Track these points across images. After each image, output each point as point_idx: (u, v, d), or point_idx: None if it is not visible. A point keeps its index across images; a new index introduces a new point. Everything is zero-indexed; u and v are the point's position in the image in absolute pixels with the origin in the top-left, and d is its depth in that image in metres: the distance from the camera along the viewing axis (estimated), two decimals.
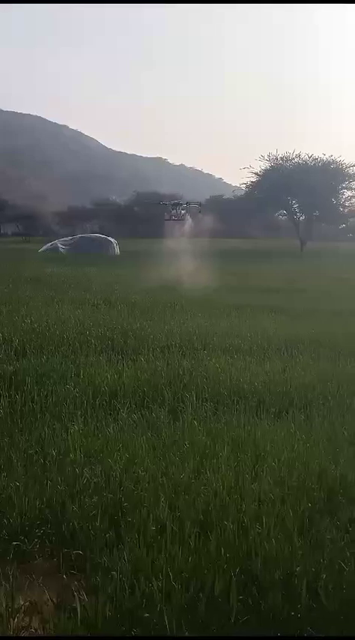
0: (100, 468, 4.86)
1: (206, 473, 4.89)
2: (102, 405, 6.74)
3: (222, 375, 8.49)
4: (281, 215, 68.34)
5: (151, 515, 4.01)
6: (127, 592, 3.20)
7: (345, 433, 6.37)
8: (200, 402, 7.16)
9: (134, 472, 4.81)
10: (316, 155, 61.16)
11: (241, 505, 4.34)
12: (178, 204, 41.79)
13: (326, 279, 28.02)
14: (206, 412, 6.82)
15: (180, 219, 42.14)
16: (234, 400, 7.41)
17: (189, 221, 41.97)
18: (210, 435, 5.94)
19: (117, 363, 8.78)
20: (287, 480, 4.91)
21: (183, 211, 42.31)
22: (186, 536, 3.76)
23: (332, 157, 60.65)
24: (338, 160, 60.52)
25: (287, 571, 3.46)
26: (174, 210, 42.66)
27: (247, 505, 4.33)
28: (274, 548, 3.65)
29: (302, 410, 7.32)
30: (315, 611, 3.15)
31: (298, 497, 4.57)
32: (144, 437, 5.65)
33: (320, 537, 3.94)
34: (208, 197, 72.83)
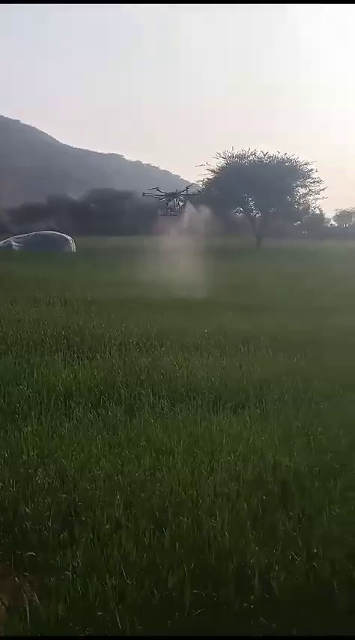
0: (54, 469, 4.80)
1: (162, 469, 4.90)
2: (57, 404, 6.66)
3: (179, 372, 8.53)
4: (238, 212, 68.98)
5: (105, 513, 3.99)
6: (81, 591, 3.18)
7: (299, 425, 6.49)
8: (157, 399, 7.16)
9: (89, 472, 4.77)
10: (271, 153, 62.02)
11: (197, 500, 4.37)
12: (174, 194, 37.07)
13: (283, 276, 28.46)
14: (163, 409, 6.83)
15: (177, 213, 37.77)
16: (190, 396, 7.45)
17: (188, 213, 37.48)
18: (167, 431, 5.95)
19: (73, 362, 8.69)
20: (243, 474, 4.98)
21: (181, 203, 37.85)
22: (141, 533, 3.76)
23: (287, 155, 61.68)
24: (292, 157, 61.60)
25: (240, 563, 3.50)
26: (171, 202, 37.90)
27: (202, 500, 4.37)
28: (228, 541, 3.69)
29: (258, 404, 7.42)
30: (268, 602, 3.21)
31: (253, 490, 4.64)
32: (99, 436, 5.61)
33: (273, 529, 4.00)
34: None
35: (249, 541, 3.76)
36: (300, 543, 3.82)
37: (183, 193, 36.19)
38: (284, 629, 3.01)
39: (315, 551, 3.73)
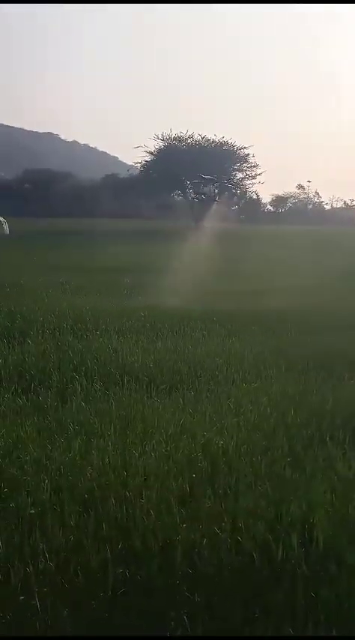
0: None
1: (92, 453, 4.90)
2: None
3: (114, 355, 8.50)
4: (177, 195, 68.88)
5: (31, 498, 3.95)
6: (2, 578, 3.15)
7: (231, 405, 6.63)
8: (90, 383, 7.12)
9: (18, 457, 4.70)
10: (209, 136, 62.08)
11: (126, 481, 4.40)
12: (210, 179, 34.72)
13: (220, 259, 28.75)
14: (96, 393, 6.80)
15: (213, 199, 36.29)
16: (125, 380, 7.45)
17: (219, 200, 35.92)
18: (99, 415, 5.94)
19: (2, 347, 8.47)
20: (173, 454, 5.05)
21: (216, 190, 36.04)
22: (67, 515, 3.76)
23: (224, 139, 61.92)
24: (229, 141, 61.91)
25: (166, 541, 3.57)
26: (207, 187, 36.06)
27: (132, 481, 4.41)
28: (153, 520, 3.75)
29: (192, 386, 7.52)
30: (192, 577, 3.29)
31: (182, 469, 4.72)
32: (29, 421, 5.52)
33: (200, 506, 4.10)
34: (103, 176, 71.47)
35: (175, 519, 3.83)
36: (226, 518, 3.94)
37: (226, 182, 34.45)
38: (205, 601, 3.10)
39: (240, 525, 3.85)
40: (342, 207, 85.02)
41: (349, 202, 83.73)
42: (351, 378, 8.13)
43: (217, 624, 2.96)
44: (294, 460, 5.10)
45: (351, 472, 4.83)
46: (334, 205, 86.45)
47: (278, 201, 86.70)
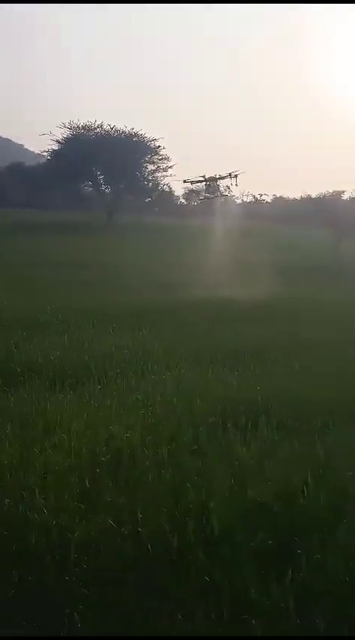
0: None
1: None
2: None
3: (15, 350, 8.22)
4: (87, 186, 67.48)
5: None
6: None
7: (138, 397, 6.60)
8: None
9: None
10: (118, 127, 61.26)
11: (24, 480, 4.26)
12: (214, 179, 35.13)
13: (133, 253, 28.67)
14: None
15: (217, 195, 36.89)
16: (26, 375, 7.22)
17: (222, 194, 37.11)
18: None
19: None
20: (76, 449, 4.95)
21: (220, 186, 36.45)
22: None
23: (134, 130, 61.35)
24: (140, 133, 61.44)
25: (63, 538, 3.49)
26: (211, 186, 36.24)
27: (30, 479, 4.27)
28: (47, 517, 3.65)
29: (99, 379, 7.41)
30: (87, 573, 3.24)
31: (85, 465, 4.64)
32: None
33: (100, 500, 4.04)
34: (8, 164, 68.29)
35: (73, 515, 3.75)
36: (126, 511, 3.91)
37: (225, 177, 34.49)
38: (99, 595, 3.06)
39: (140, 516, 3.83)
40: (252, 201, 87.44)
41: (258, 197, 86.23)
42: (256, 366, 8.40)
43: (111, 617, 2.93)
44: (198, 448, 5.17)
45: (250, 455, 4.97)
46: (244, 200, 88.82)
47: (191, 194, 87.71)
